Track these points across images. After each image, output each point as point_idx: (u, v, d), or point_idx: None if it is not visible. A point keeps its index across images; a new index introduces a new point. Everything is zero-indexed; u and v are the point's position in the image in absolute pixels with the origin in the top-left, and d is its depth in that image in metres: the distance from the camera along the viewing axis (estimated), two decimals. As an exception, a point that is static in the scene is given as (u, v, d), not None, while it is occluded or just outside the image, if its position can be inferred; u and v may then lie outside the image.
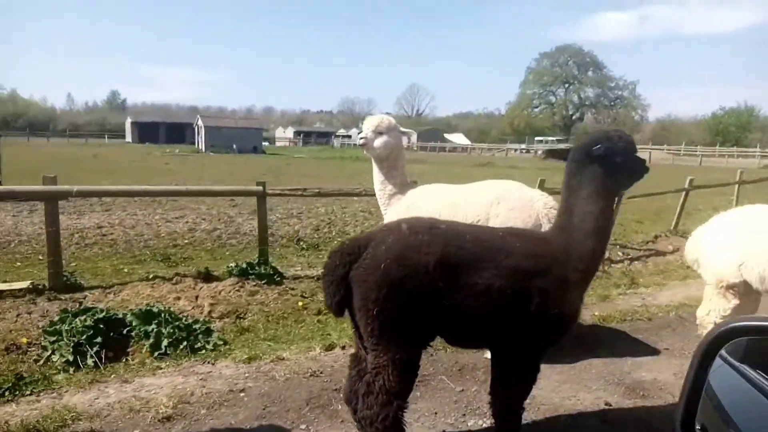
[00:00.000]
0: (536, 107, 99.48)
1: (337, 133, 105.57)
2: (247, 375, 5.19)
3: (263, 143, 65.94)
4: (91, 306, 6.69)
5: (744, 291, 5.39)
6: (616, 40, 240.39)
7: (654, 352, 6.15)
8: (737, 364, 2.07)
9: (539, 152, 72.54)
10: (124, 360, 5.73)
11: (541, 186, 11.97)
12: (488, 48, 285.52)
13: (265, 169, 31.50)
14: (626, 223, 15.04)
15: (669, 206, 15.59)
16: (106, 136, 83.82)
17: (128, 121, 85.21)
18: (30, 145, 58.83)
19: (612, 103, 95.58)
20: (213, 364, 5.49)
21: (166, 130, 79.09)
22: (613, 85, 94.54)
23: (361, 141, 6.12)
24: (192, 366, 5.43)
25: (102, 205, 14.63)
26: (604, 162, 3.71)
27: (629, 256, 11.55)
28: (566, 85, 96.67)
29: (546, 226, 5.40)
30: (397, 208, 6.09)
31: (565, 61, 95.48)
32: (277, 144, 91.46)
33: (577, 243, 3.73)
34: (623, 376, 5.48)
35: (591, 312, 7.43)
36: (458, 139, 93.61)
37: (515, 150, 77.66)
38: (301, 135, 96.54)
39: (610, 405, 4.83)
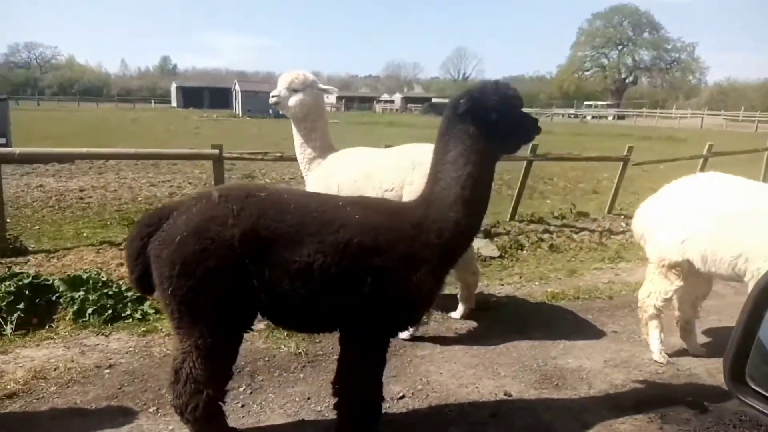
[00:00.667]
0: (587, 70, 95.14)
1: (380, 98, 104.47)
2: (129, 349, 4.89)
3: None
4: (20, 271, 6.53)
5: (688, 271, 4.72)
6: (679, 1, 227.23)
7: (597, 335, 5.54)
8: None
9: (588, 117, 69.88)
10: (47, 326, 5.53)
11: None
12: (543, 8, 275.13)
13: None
14: (642, 192, 14.04)
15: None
16: (152, 101, 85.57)
17: (173, 87, 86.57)
18: (77, 110, 60.42)
19: (668, 66, 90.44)
20: (107, 335, 5.21)
21: (210, 95, 79.91)
22: (670, 47, 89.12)
23: (273, 99, 5.61)
24: (86, 337, 5.17)
25: (99, 168, 14.64)
26: (475, 119, 3.12)
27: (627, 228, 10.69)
28: (620, 47, 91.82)
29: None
30: (317, 174, 5.61)
31: (620, 21, 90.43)
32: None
33: (437, 215, 3.20)
34: (546, 361, 4.90)
35: (545, 288, 6.82)
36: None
37: (562, 115, 75.02)
38: (343, 100, 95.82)
39: (510, 395, 4.29)
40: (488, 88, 3.19)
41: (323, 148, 5.61)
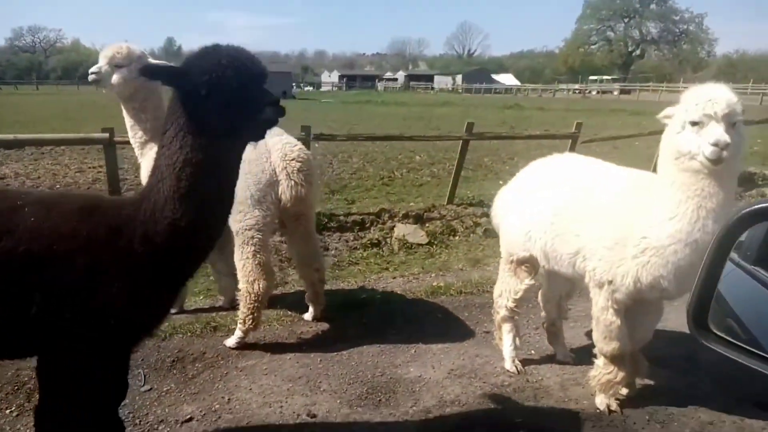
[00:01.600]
0: (593, 44, 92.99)
1: (383, 76, 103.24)
2: None
3: (298, 87, 64.78)
4: None
5: (538, 268, 4.11)
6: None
7: (462, 337, 4.94)
8: (750, 267, 2.01)
9: (593, 92, 68.42)
10: None
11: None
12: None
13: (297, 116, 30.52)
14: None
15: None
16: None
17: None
18: (75, 94, 59.98)
19: (676, 38, 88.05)
20: None
21: (209, 76, 79.05)
22: (678, 18, 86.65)
23: (92, 77, 4.96)
24: None
25: (41, 154, 14.13)
26: (184, 93, 2.49)
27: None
28: (626, 20, 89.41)
29: (286, 184, 4.22)
30: (151, 159, 4.96)
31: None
32: (323, 89, 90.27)
33: (147, 214, 2.57)
34: (385, 371, 4.32)
35: (431, 282, 6.21)
36: (507, 79, 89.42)
37: (566, 90, 73.47)
38: (345, 79, 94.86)
39: (314, 416, 3.71)
40: (204, 55, 2.54)
41: (156, 130, 4.94)
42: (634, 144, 15.22)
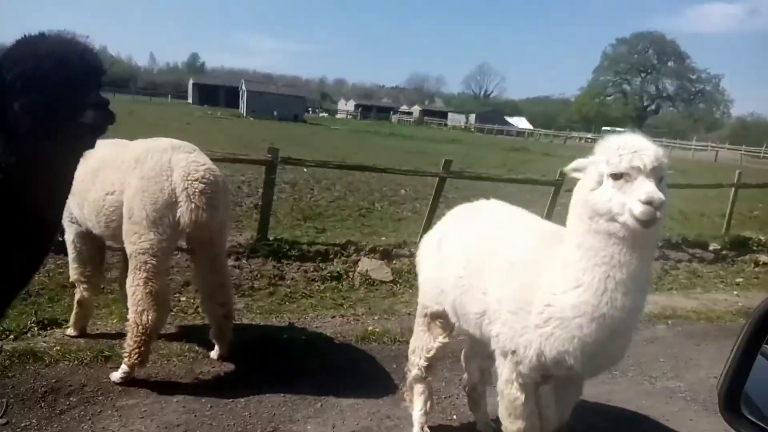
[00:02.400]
0: (609, 96, 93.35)
1: (399, 109, 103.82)
2: None
3: (311, 112, 65.12)
4: None
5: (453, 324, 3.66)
6: (720, 32, 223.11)
7: (381, 392, 4.45)
8: None
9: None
10: None
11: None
12: (576, 33, 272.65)
13: (278, 137, 30.38)
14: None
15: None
16: (169, 97, 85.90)
17: (190, 83, 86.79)
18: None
19: (692, 97, 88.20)
20: None
21: (225, 94, 79.73)
22: (695, 77, 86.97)
23: None
24: None
25: None
26: (2, 85, 2.10)
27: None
28: (643, 75, 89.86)
29: (185, 206, 3.81)
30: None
31: (644, 48, 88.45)
32: (337, 116, 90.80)
33: None
34: (277, 426, 3.89)
35: (369, 325, 5.74)
36: (520, 122, 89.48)
37: (579, 139, 73.22)
38: (360, 109, 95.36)
39: (174, 474, 3.24)
40: (22, 44, 2.17)
41: None
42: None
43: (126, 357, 4.05)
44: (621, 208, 2.49)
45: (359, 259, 8.65)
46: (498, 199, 3.78)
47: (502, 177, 12.48)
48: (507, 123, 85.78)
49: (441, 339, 3.70)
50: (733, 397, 1.77)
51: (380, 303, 7.03)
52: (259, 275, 7.63)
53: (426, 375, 3.83)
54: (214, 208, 3.93)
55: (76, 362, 4.33)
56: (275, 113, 54.00)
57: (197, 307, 5.72)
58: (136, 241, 3.95)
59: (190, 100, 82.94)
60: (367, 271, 8.31)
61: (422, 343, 3.79)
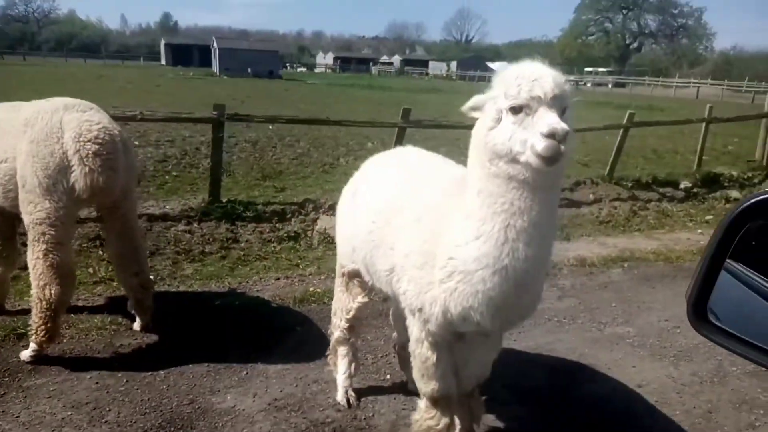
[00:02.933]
0: (591, 35, 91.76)
1: (379, 60, 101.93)
2: None
3: (288, 68, 63.60)
4: None
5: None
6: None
7: (315, 354, 4.24)
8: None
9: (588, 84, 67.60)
10: None
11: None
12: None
13: (249, 95, 29.63)
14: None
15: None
16: (141, 59, 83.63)
17: (162, 44, 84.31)
18: (61, 66, 58.67)
19: (674, 32, 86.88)
20: None
21: (198, 53, 77.51)
22: (677, 12, 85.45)
23: None
24: None
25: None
26: None
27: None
28: (625, 11, 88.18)
29: (79, 170, 3.50)
30: None
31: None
32: (316, 70, 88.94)
33: None
34: (195, 398, 3.68)
35: (311, 286, 5.54)
36: (503, 67, 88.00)
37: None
38: (339, 61, 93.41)
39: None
40: None
41: None
42: (591, 137, 14.53)
43: (32, 335, 3.81)
44: (522, 146, 2.21)
45: (317, 218, 8.41)
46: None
47: (464, 124, 12.05)
48: (489, 69, 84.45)
49: (360, 299, 3.48)
50: (701, 302, 1.79)
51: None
52: (211, 239, 7.38)
53: (349, 336, 3.64)
54: (111, 170, 3.61)
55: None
56: (249, 70, 52.58)
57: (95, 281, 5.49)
58: (32, 210, 3.65)
59: (163, 62, 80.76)
60: (325, 229, 8.05)
61: (342, 304, 3.58)
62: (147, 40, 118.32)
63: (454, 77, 78.03)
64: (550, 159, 2.15)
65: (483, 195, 2.40)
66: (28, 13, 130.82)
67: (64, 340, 4.19)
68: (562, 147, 2.13)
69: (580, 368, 4.25)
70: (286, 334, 4.55)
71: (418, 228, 2.76)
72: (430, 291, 2.64)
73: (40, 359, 3.88)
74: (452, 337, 2.87)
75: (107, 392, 3.65)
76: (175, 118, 8.73)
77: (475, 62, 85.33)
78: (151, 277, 4.40)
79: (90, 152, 3.53)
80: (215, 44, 59.18)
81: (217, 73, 53.99)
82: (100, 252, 6.56)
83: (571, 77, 72.18)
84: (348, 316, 3.54)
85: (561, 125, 2.12)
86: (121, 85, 32.28)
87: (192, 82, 41.96)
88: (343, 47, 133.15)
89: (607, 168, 11.47)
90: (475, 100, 2.46)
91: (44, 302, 3.69)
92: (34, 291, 3.75)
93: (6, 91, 24.18)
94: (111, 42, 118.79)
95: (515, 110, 2.26)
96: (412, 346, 2.93)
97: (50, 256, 3.67)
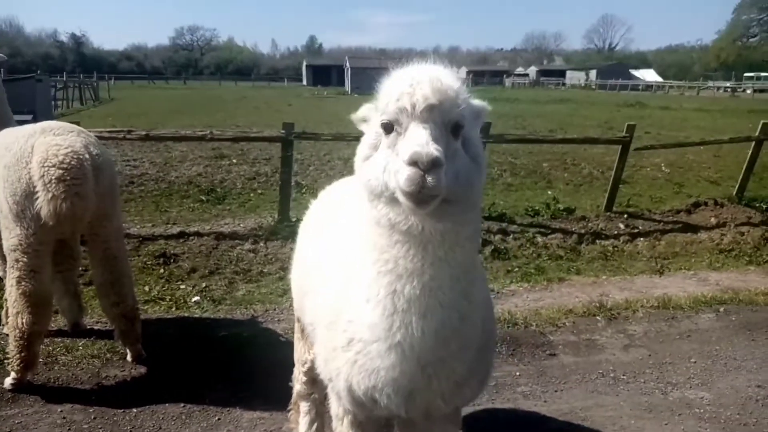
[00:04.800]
0: (753, 36, 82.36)
1: (514, 72, 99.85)
2: None
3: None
4: None
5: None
6: None
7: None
8: None
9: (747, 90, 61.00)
10: None
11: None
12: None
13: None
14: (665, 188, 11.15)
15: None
16: (285, 80, 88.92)
17: (304, 65, 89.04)
18: (213, 88, 63.96)
19: None
20: None
21: (336, 73, 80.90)
22: None
23: None
24: None
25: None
26: None
27: (626, 230, 8.25)
28: (795, 8, 78.26)
29: (42, 195, 3.39)
30: None
31: (798, -24, 76.92)
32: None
33: None
34: (154, 445, 3.35)
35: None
36: (647, 75, 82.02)
37: (716, 89, 65.80)
38: (471, 75, 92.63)
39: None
40: None
41: None
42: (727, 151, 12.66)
43: (9, 364, 3.74)
44: (391, 178, 1.63)
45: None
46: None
47: (551, 137, 10.99)
48: (633, 77, 79.06)
49: (314, 350, 2.97)
50: None
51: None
52: (273, 259, 7.21)
53: (311, 391, 3.13)
54: (77, 196, 3.42)
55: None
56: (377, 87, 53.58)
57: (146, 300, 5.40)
58: (7, 237, 3.61)
59: (304, 82, 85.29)
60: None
61: (298, 355, 3.10)
62: (294, 62, 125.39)
63: (594, 86, 73.90)
64: (413, 196, 1.54)
65: (369, 247, 1.83)
66: (193, 42, 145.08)
67: (56, 367, 4.11)
68: (429, 179, 1.50)
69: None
70: (280, 374, 4.11)
71: (329, 276, 2.23)
72: (335, 360, 2.09)
73: (22, 387, 3.80)
74: (379, 419, 2.27)
75: (68, 429, 3.47)
76: (243, 137, 8.78)
77: (617, 70, 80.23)
78: (138, 307, 4.19)
79: (53, 177, 3.38)
80: (347, 64, 61.36)
81: (349, 92, 55.73)
82: (162, 270, 6.63)
83: (728, 83, 65.40)
84: (304, 369, 3.04)
85: (426, 148, 1.51)
86: (256, 105, 34.23)
87: (324, 100, 43.60)
88: (479, 61, 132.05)
89: (736, 187, 9.81)
90: (365, 110, 1.89)
91: (17, 331, 3.60)
92: (9, 319, 3.68)
93: (150, 111, 26.69)
94: (262, 65, 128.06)
95: (387, 129, 1.69)
96: (333, 423, 2.37)
97: (23, 283, 3.58)
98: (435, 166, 1.50)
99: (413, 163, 1.51)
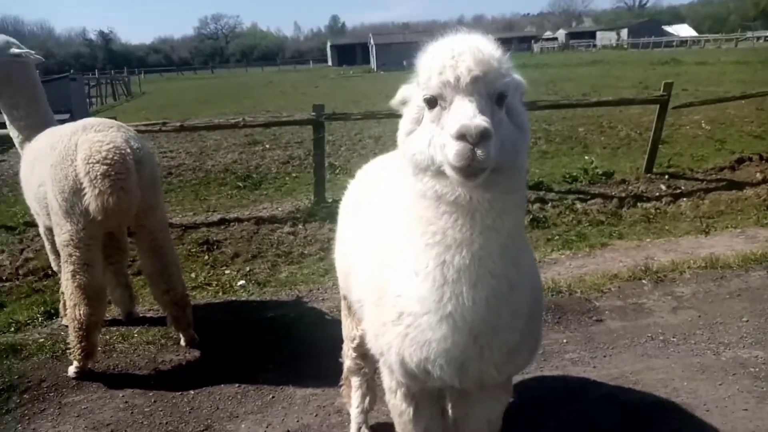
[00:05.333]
0: (795, -20, 78.57)
1: (542, 37, 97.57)
2: None
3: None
4: None
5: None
6: None
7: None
8: None
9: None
10: None
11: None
12: None
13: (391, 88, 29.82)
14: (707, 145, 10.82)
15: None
16: (310, 62, 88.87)
17: (328, 45, 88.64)
18: (242, 75, 64.39)
19: None
20: None
21: (361, 51, 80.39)
22: None
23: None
24: None
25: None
26: None
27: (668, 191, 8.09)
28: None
29: (90, 192, 3.50)
30: (24, 161, 4.42)
31: None
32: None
33: None
34: (211, 424, 3.49)
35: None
36: (681, 30, 79.05)
37: (756, 39, 63.07)
38: (498, 43, 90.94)
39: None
40: None
41: (32, 127, 4.37)
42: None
43: (70, 353, 3.91)
44: (439, 152, 1.63)
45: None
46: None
47: (588, 101, 10.72)
48: (666, 33, 76.34)
49: (363, 326, 3.01)
50: None
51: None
52: (313, 240, 7.30)
53: (362, 365, 3.19)
54: (122, 190, 3.52)
55: (48, 355, 4.29)
56: (405, 63, 53.11)
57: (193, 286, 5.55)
58: (59, 233, 3.74)
59: (329, 63, 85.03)
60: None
61: (347, 332, 3.15)
62: (318, 43, 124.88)
63: (626, 46, 71.75)
64: (463, 170, 1.54)
65: (414, 220, 1.84)
66: (218, 30, 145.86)
67: (114, 355, 4.27)
68: (479, 152, 1.50)
69: (664, 411, 3.34)
70: (326, 353, 4.20)
71: (375, 254, 2.25)
72: (385, 334, 2.12)
73: (84, 375, 3.97)
74: (432, 390, 2.30)
75: (131, 413, 3.61)
76: (275, 122, 8.84)
77: (649, 27, 77.54)
78: (187, 293, 4.31)
79: (98, 173, 3.47)
80: (372, 41, 60.90)
81: (375, 69, 55.37)
82: (206, 257, 6.79)
83: (766, 32, 62.56)
84: (353, 345, 3.09)
85: (474, 120, 1.51)
86: (283, 90, 34.36)
87: (351, 80, 43.49)
88: (505, 28, 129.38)
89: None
90: (404, 91, 1.89)
91: (76, 322, 3.76)
92: (68, 311, 3.84)
93: (181, 102, 27.09)
94: (287, 49, 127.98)
95: (431, 103, 1.69)
96: (387, 396, 2.42)
97: (77, 276, 3.72)
98: (484, 138, 1.50)
99: (461, 136, 1.50)
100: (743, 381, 3.59)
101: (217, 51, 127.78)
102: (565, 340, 4.22)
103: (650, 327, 4.36)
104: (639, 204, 7.95)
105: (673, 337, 4.19)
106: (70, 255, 3.71)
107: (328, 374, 3.79)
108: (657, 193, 8.34)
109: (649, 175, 9.01)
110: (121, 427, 3.48)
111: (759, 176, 8.76)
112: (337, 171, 10.04)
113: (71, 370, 3.98)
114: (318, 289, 5.48)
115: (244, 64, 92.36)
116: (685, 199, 8.02)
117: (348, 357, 3.21)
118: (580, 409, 3.41)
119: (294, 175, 10.51)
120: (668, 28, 79.97)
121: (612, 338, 4.22)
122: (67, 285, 3.77)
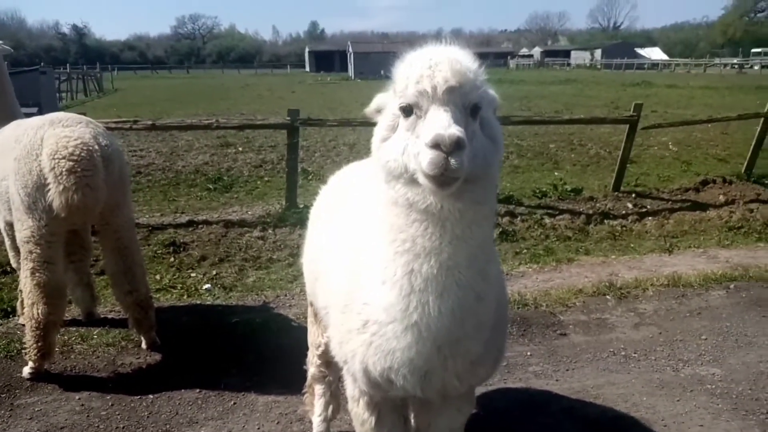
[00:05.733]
0: (761, 11, 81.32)
1: (518, 53, 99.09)
2: None
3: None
4: None
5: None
6: None
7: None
8: None
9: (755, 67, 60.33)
10: None
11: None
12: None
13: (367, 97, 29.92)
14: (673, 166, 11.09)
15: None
16: (288, 67, 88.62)
17: (306, 51, 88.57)
18: (215, 77, 63.81)
19: None
20: None
21: (339, 59, 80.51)
22: None
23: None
24: None
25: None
26: None
27: (634, 210, 8.26)
28: (804, -19, 77.12)
29: (54, 188, 3.41)
30: None
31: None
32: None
33: None
34: (169, 431, 3.40)
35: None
36: (653, 53, 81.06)
37: (723, 65, 65.03)
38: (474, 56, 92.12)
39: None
40: None
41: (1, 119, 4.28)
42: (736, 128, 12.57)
43: (26, 353, 3.80)
44: (412, 159, 1.64)
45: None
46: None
47: (560, 118, 10.93)
48: (639, 56, 78.21)
49: (328, 333, 3.00)
50: None
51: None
52: (282, 246, 7.23)
53: (326, 373, 3.16)
54: (88, 187, 3.44)
55: (2, 354, 4.16)
56: (382, 72, 53.37)
57: (157, 288, 5.45)
58: (20, 228, 3.64)
59: (307, 68, 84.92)
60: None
61: (312, 338, 3.13)
62: (296, 48, 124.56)
63: (599, 66, 73.34)
64: (436, 178, 1.56)
65: (385, 227, 1.84)
66: (195, 31, 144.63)
67: (72, 356, 4.16)
68: (453, 161, 1.52)
69: (623, 425, 3.39)
70: (291, 360, 4.16)
71: (342, 259, 2.24)
72: (350, 342, 2.11)
73: (40, 376, 3.85)
74: (395, 399, 2.29)
75: (87, 416, 3.52)
76: (249, 125, 8.78)
77: (622, 49, 79.38)
78: (151, 295, 4.24)
79: (64, 169, 3.39)
80: (350, 49, 61.08)
81: (352, 77, 55.47)
82: (172, 258, 6.67)
83: (735, 60, 64.64)
84: (318, 352, 3.07)
85: (449, 130, 1.52)
86: (260, 93, 34.14)
87: (328, 86, 43.39)
88: (482, 43, 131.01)
89: (744, 164, 9.75)
90: (379, 100, 1.90)
91: (33, 321, 3.64)
92: (25, 309, 3.73)
93: (154, 101, 26.73)
94: (264, 52, 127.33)
95: (406, 112, 1.69)
96: (350, 404, 2.40)
97: (37, 274, 3.61)
98: (458, 147, 1.51)
99: (436, 145, 1.52)
100: (700, 397, 3.66)
101: (194, 51, 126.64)
102: (529, 353, 4.26)
103: (612, 342, 4.43)
104: (606, 221, 8.08)
105: (635, 353, 4.26)
106: (31, 252, 3.60)
107: (292, 381, 3.75)
108: (623, 211, 8.49)
109: (616, 193, 9.17)
110: (76, 431, 3.39)
111: (722, 198, 9.00)
112: (310, 177, 10.00)
113: (26, 370, 3.86)
114: (285, 295, 5.43)
115: (221, 65, 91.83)
116: (650, 217, 8.19)
117: (312, 364, 3.18)
118: (542, 422, 3.44)
119: (266, 179, 10.43)
120: (641, 51, 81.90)
121: (575, 352, 4.27)
122: (25, 283, 3.66)
